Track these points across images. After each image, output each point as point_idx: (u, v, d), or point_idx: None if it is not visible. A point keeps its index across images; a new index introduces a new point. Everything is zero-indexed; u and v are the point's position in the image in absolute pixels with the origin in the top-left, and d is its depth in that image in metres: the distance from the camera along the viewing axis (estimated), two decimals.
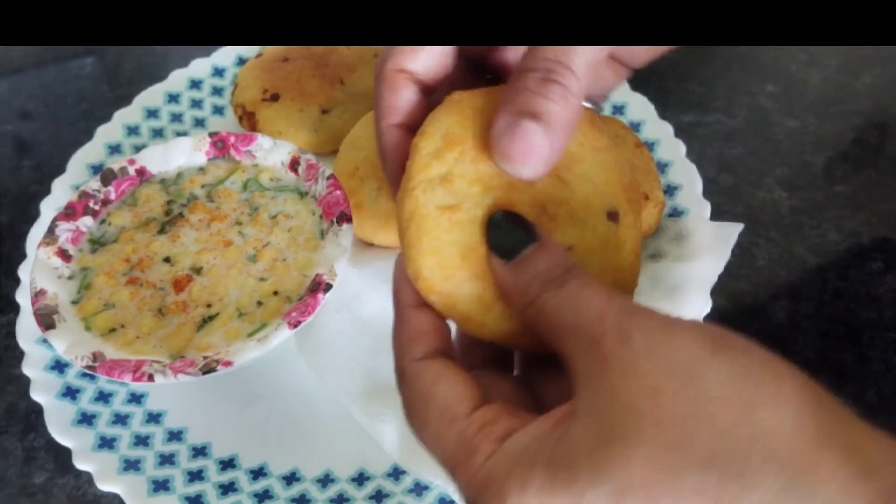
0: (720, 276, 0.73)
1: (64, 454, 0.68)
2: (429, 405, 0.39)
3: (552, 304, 0.37)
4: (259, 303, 0.67)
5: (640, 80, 0.92)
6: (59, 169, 0.89)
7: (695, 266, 0.72)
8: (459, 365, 0.41)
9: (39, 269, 0.69)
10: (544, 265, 0.38)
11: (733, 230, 0.74)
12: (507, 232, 0.40)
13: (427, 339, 0.41)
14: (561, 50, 0.40)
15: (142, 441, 0.68)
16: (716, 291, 0.72)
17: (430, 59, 0.45)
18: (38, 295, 0.67)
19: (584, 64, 0.40)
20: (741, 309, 0.77)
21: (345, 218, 0.70)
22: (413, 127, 0.45)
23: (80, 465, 0.66)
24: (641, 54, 0.49)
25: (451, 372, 0.40)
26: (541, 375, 0.43)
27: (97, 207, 0.75)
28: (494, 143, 0.40)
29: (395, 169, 0.45)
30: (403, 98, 0.45)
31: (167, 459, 0.67)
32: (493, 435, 0.36)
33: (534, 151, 0.39)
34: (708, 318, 0.70)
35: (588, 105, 0.50)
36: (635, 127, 0.86)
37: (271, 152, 0.78)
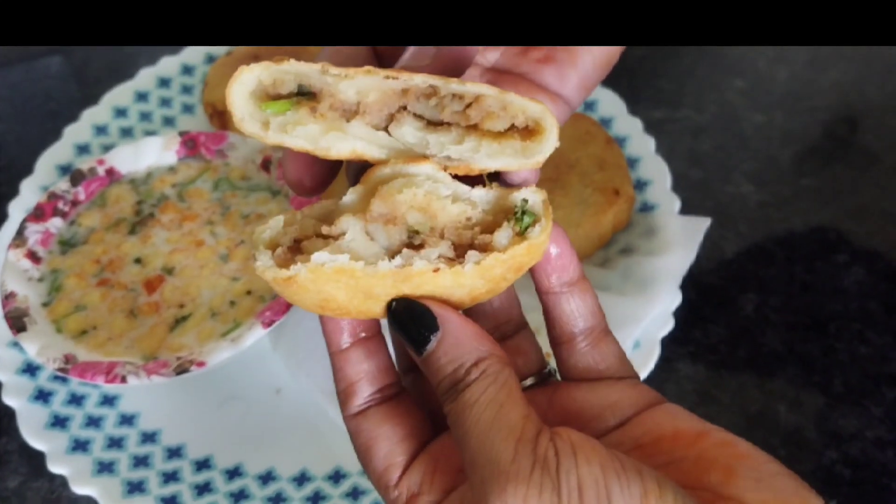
0: (690, 269, 0.74)
1: (37, 458, 0.67)
2: (368, 467, 0.43)
3: (449, 416, 0.38)
4: (232, 302, 0.67)
5: (611, 77, 0.92)
6: (27, 170, 0.88)
7: (665, 260, 0.73)
8: (393, 404, 0.43)
9: (9, 272, 0.68)
10: (447, 360, 0.38)
11: (702, 224, 0.75)
12: (411, 331, 0.39)
13: (360, 389, 0.43)
14: None
15: (116, 443, 0.68)
16: (685, 284, 0.73)
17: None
18: (8, 297, 0.67)
19: None
20: (710, 301, 0.78)
21: None
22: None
23: (54, 468, 0.65)
24: (572, 77, 0.47)
25: (384, 425, 0.42)
26: None
27: (66, 208, 0.74)
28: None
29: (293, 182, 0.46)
30: None
31: (142, 461, 0.67)
32: None
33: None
34: (678, 310, 0.71)
35: None
36: (606, 123, 0.87)
37: (242, 151, 0.77)
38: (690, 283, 0.74)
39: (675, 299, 0.71)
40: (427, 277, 0.38)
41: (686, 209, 0.80)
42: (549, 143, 0.40)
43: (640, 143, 0.85)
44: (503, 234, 0.39)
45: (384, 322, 0.42)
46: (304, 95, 0.40)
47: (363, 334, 0.43)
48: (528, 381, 0.46)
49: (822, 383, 0.73)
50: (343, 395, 0.43)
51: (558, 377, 0.47)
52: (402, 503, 0.41)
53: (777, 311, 0.77)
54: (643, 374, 0.67)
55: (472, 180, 0.42)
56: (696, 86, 1.00)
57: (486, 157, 0.40)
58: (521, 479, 0.34)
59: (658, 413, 0.41)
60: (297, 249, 0.39)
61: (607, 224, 0.76)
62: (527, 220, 0.40)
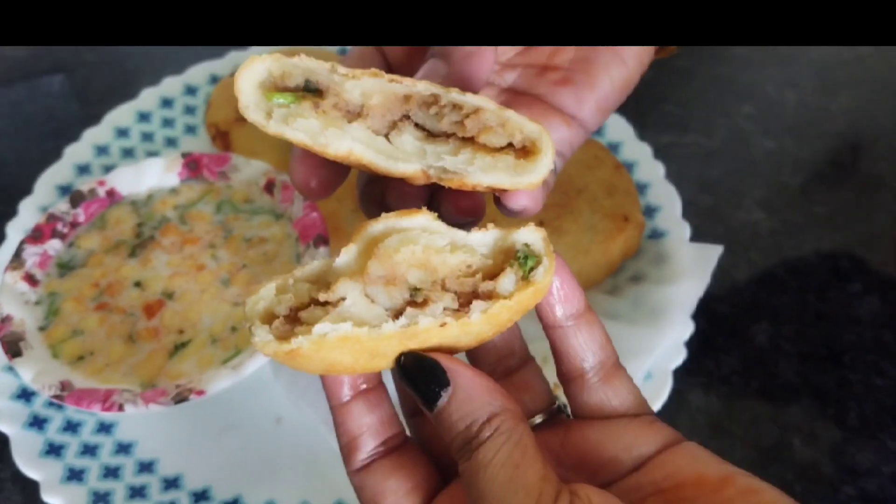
0: (701, 298, 0.72)
1: (31, 486, 0.65)
2: None
3: (463, 474, 0.36)
4: (233, 328, 0.65)
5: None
6: (27, 189, 0.86)
7: (676, 288, 0.71)
8: (399, 455, 0.41)
9: (6, 295, 0.67)
10: (459, 416, 0.37)
11: (714, 252, 0.73)
12: (421, 386, 0.38)
13: (364, 443, 0.41)
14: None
15: (112, 472, 0.66)
16: (696, 313, 0.71)
17: None
18: (4, 321, 0.65)
19: None
20: (722, 331, 0.76)
21: (322, 240, 0.69)
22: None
23: (49, 498, 0.63)
24: (589, 100, 0.47)
25: (390, 478, 0.41)
26: None
27: (65, 230, 0.72)
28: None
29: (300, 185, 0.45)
30: None
31: (138, 492, 0.65)
32: None
33: (531, 195, 0.43)
34: (689, 340, 0.70)
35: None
36: (614, 148, 0.86)
37: (245, 173, 0.76)
38: (701, 312, 0.72)
39: (687, 329, 0.70)
40: (434, 332, 0.37)
41: (696, 236, 0.79)
42: (544, 163, 0.39)
43: (649, 168, 0.84)
44: (508, 280, 0.38)
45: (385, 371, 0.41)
46: (311, 91, 0.39)
47: (364, 386, 0.42)
48: (537, 419, 0.44)
49: (837, 416, 0.71)
50: (346, 449, 0.42)
51: (568, 412, 0.45)
52: None
53: (790, 341, 0.76)
54: (655, 407, 0.66)
55: (467, 224, 0.41)
56: (705, 111, 0.99)
57: (480, 171, 0.39)
58: None
59: (678, 454, 0.39)
60: (294, 318, 0.38)
61: (616, 251, 0.74)
62: (530, 262, 0.39)
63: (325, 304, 0.37)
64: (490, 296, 0.38)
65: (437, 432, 0.40)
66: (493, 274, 0.39)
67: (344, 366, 0.38)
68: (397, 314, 0.37)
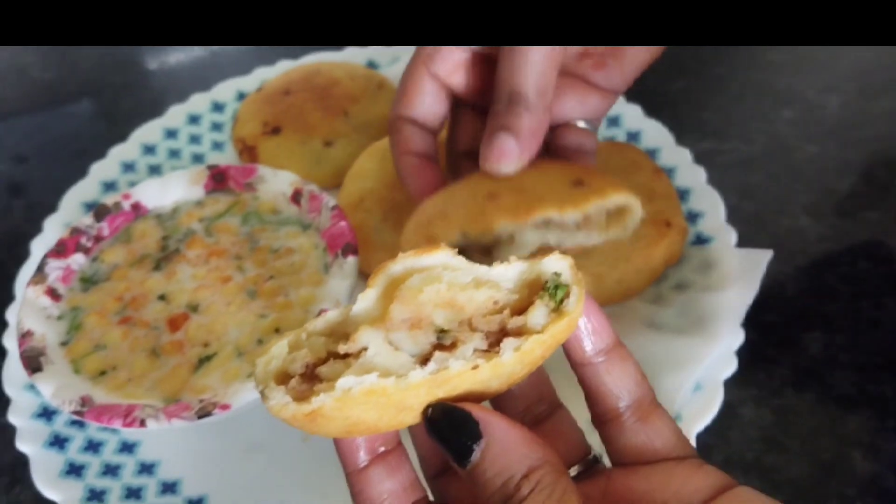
0: (748, 308, 0.68)
1: None
2: None
3: None
4: (260, 341, 0.63)
5: (653, 110, 0.89)
6: (52, 209, 0.85)
7: (724, 296, 0.68)
8: None
9: (27, 310, 0.65)
10: (495, 472, 0.34)
11: (763, 257, 0.70)
12: (449, 435, 0.35)
13: None
14: (513, 82, 0.52)
15: (134, 493, 0.63)
16: (745, 323, 0.68)
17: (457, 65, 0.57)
18: (24, 336, 0.63)
19: (532, 88, 0.51)
20: (772, 341, 0.72)
21: (350, 249, 0.66)
22: (431, 154, 0.57)
23: None
24: (617, 77, 0.57)
25: None
26: None
27: (89, 244, 0.71)
28: (480, 153, 0.52)
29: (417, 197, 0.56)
30: (428, 104, 0.57)
31: None
32: None
33: (506, 153, 0.51)
34: (738, 351, 0.66)
35: (582, 124, 0.59)
36: (652, 154, 0.83)
37: (272, 184, 0.74)
38: (749, 322, 0.68)
39: (738, 338, 0.66)
40: (465, 377, 0.34)
41: (741, 243, 0.75)
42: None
43: (690, 173, 0.80)
44: (539, 313, 0.36)
45: (404, 431, 0.38)
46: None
47: (382, 448, 0.39)
48: (573, 471, 0.41)
49: None
50: None
51: (606, 461, 0.42)
52: None
53: (845, 351, 0.72)
54: (706, 419, 0.62)
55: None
56: (743, 117, 0.96)
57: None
58: None
59: (732, 501, 0.36)
60: (311, 376, 0.35)
61: (659, 257, 0.71)
62: (560, 292, 0.36)
63: (346, 356, 0.35)
64: (520, 332, 0.35)
65: (463, 494, 0.38)
66: (520, 309, 0.36)
67: (367, 424, 0.35)
68: (424, 360, 0.34)
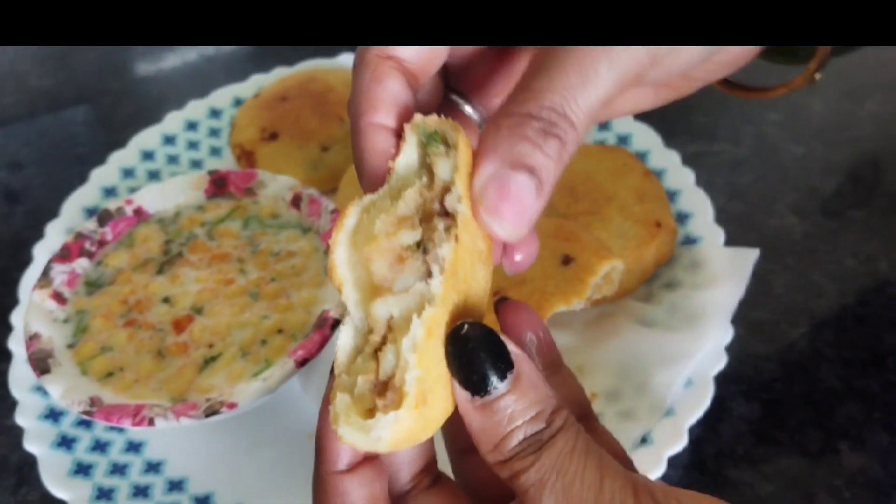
0: (736, 305, 0.70)
1: None
2: None
3: (530, 476, 0.32)
4: (263, 341, 0.64)
5: (642, 113, 0.91)
6: (53, 214, 0.86)
7: (713, 293, 0.70)
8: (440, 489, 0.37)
9: (33, 313, 0.66)
10: (521, 409, 0.32)
11: (750, 256, 0.72)
12: (476, 364, 0.32)
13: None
14: (566, 97, 0.35)
15: (141, 492, 0.65)
16: (734, 320, 0.70)
17: (419, 50, 0.39)
18: (32, 339, 0.64)
19: (586, 116, 0.35)
20: (760, 338, 0.74)
21: None
22: (396, 129, 0.38)
23: None
24: (680, 82, 0.45)
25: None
26: None
27: (93, 249, 0.72)
28: (481, 192, 0.34)
29: (372, 178, 0.38)
30: (389, 90, 0.38)
31: None
32: None
33: (525, 211, 0.34)
34: (729, 346, 0.68)
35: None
36: (641, 156, 0.85)
37: (272, 189, 0.76)
38: (738, 319, 0.71)
39: (728, 334, 0.68)
40: (466, 264, 0.33)
41: (729, 242, 0.77)
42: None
43: (679, 175, 0.82)
44: (444, 169, 0.35)
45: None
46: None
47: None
48: None
49: (884, 420, 0.68)
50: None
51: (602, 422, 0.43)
52: None
53: (831, 346, 0.74)
54: (697, 414, 0.64)
55: None
56: (731, 119, 0.98)
57: None
58: None
59: None
60: (379, 392, 0.33)
61: (650, 257, 0.73)
62: (436, 138, 0.35)
63: (383, 342, 0.33)
64: (447, 213, 0.34)
65: (486, 475, 0.35)
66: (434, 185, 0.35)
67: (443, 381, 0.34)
68: (428, 274, 0.33)
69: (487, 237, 0.36)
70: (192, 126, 0.96)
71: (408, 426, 0.31)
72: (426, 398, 0.31)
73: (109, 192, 0.89)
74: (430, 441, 0.38)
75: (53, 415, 0.68)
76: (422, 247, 0.34)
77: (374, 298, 0.34)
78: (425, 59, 0.39)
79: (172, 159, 0.93)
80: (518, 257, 0.38)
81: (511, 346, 0.33)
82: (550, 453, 0.32)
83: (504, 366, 0.32)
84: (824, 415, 0.69)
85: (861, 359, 0.73)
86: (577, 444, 0.32)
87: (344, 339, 0.34)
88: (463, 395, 0.33)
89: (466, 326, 0.32)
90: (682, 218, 0.79)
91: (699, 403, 0.64)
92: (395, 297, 0.33)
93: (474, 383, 0.32)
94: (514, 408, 0.32)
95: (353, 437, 0.32)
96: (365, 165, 0.38)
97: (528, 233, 0.35)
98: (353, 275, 0.35)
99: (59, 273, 0.69)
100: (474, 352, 0.32)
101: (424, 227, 0.34)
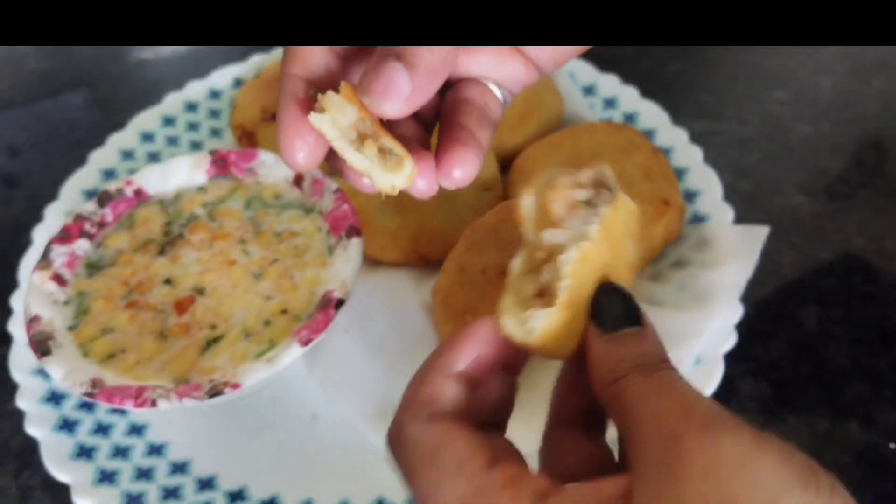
0: (745, 283, 0.70)
1: (61, 491, 0.63)
2: (438, 460, 0.35)
3: (638, 387, 0.35)
4: (266, 322, 0.63)
5: (649, 91, 0.90)
6: (52, 197, 0.85)
7: (722, 271, 0.69)
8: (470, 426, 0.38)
9: (33, 295, 0.65)
10: (641, 349, 0.37)
11: (759, 233, 0.71)
12: (615, 306, 0.39)
13: (441, 404, 0.38)
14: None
15: (144, 474, 0.64)
16: (742, 299, 0.69)
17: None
18: (32, 321, 0.63)
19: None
20: (768, 316, 0.74)
21: (354, 231, 0.67)
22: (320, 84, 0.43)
23: (80, 500, 0.62)
24: (548, 52, 0.48)
25: (460, 430, 0.37)
26: None
27: (93, 230, 0.71)
28: (361, 80, 0.40)
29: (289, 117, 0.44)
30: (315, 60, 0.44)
31: (172, 493, 0.63)
32: (524, 493, 0.33)
33: (394, 88, 0.39)
34: (737, 325, 0.67)
35: (496, 90, 0.48)
36: (648, 135, 0.84)
37: (274, 169, 0.75)
38: (746, 298, 0.70)
39: (737, 312, 0.67)
40: (619, 229, 0.40)
41: (737, 221, 0.76)
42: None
43: (686, 153, 0.81)
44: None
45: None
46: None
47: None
48: None
49: (892, 398, 0.68)
50: (418, 404, 0.39)
51: None
52: (497, 487, 0.34)
53: (839, 325, 0.73)
54: (707, 392, 0.63)
55: None
56: (738, 98, 0.97)
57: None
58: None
59: None
60: (541, 294, 0.39)
61: (658, 236, 0.72)
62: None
63: (545, 264, 0.39)
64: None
65: (577, 453, 0.40)
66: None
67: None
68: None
69: (639, 223, 0.43)
70: (191, 107, 0.95)
71: (556, 324, 0.37)
72: (573, 303, 0.38)
73: (109, 174, 0.87)
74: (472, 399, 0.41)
75: (55, 398, 0.68)
76: (591, 204, 0.41)
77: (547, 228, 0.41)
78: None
79: (172, 141, 0.92)
80: (457, 173, 0.42)
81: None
82: (661, 377, 0.35)
83: (637, 318, 0.38)
84: (833, 393, 0.68)
85: (869, 337, 0.72)
86: (673, 383, 0.35)
87: (517, 260, 0.41)
88: (595, 331, 0.38)
89: (611, 285, 0.39)
90: (690, 196, 0.78)
91: (709, 381, 0.63)
92: (562, 231, 0.40)
93: (613, 318, 0.38)
94: (635, 348, 0.37)
95: (512, 327, 0.38)
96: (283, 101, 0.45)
97: (407, 109, 0.40)
98: (535, 214, 0.42)
99: (59, 255, 0.68)
100: (617, 296, 0.39)
101: (594, 192, 0.41)
